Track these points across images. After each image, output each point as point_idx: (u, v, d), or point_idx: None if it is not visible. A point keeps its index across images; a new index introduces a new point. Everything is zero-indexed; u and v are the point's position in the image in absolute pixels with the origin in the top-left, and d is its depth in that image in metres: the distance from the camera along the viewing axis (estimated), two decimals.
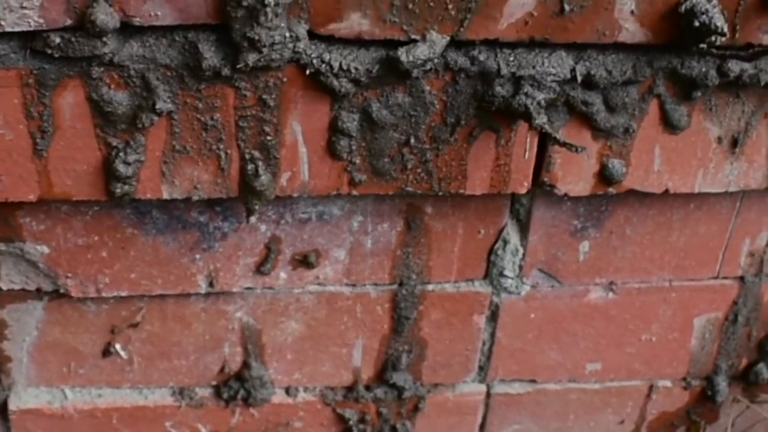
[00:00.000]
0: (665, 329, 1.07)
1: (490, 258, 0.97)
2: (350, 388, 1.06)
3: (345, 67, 0.76)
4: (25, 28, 0.70)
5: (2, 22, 0.69)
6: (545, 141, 0.85)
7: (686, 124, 0.85)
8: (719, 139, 0.87)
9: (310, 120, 0.79)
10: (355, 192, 0.85)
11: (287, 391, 1.05)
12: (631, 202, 0.95)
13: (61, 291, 0.90)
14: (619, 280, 1.02)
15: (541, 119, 0.78)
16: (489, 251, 0.97)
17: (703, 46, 0.76)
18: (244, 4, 0.70)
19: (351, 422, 1.08)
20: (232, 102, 0.77)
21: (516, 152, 0.84)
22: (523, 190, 0.87)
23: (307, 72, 0.76)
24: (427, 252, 0.95)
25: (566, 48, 0.79)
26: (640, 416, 1.16)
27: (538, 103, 0.79)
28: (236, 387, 1.02)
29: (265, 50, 0.73)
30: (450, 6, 0.74)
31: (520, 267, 0.98)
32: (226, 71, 0.74)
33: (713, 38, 0.75)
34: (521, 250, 0.97)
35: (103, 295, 0.92)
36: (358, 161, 0.82)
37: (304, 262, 0.94)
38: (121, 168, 0.78)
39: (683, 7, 0.75)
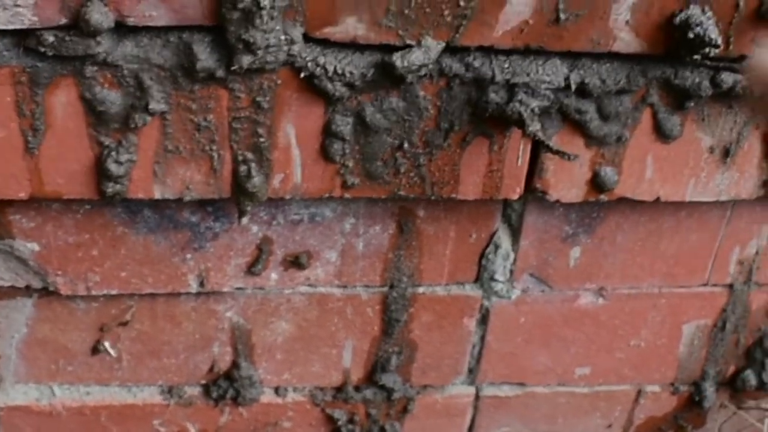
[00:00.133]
0: (654, 335, 1.08)
1: (481, 262, 0.97)
2: (340, 389, 1.06)
3: (339, 71, 0.76)
4: (18, 26, 0.69)
5: None
6: (538, 147, 0.85)
7: (679, 134, 0.86)
8: (711, 149, 0.88)
9: (304, 123, 0.79)
10: (347, 195, 0.85)
11: (276, 390, 1.05)
12: (623, 209, 0.95)
13: (51, 289, 0.90)
14: (609, 285, 1.02)
15: (534, 126, 0.78)
16: (480, 255, 0.97)
17: (697, 57, 0.77)
18: (240, 6, 0.70)
19: (340, 423, 1.08)
20: (225, 103, 0.77)
21: (509, 158, 0.85)
22: (516, 196, 0.87)
23: (302, 75, 0.76)
24: (418, 255, 0.95)
25: (561, 56, 0.79)
26: (627, 420, 1.17)
27: (532, 111, 0.79)
28: (225, 386, 1.02)
29: (259, 53, 0.73)
30: (446, 12, 0.74)
31: (511, 271, 0.99)
32: (220, 73, 0.74)
33: (707, 50, 0.75)
34: (512, 255, 0.97)
35: (93, 293, 0.92)
36: (351, 164, 0.82)
37: (295, 263, 0.94)
38: (112, 167, 0.78)
39: (678, 19, 0.76)
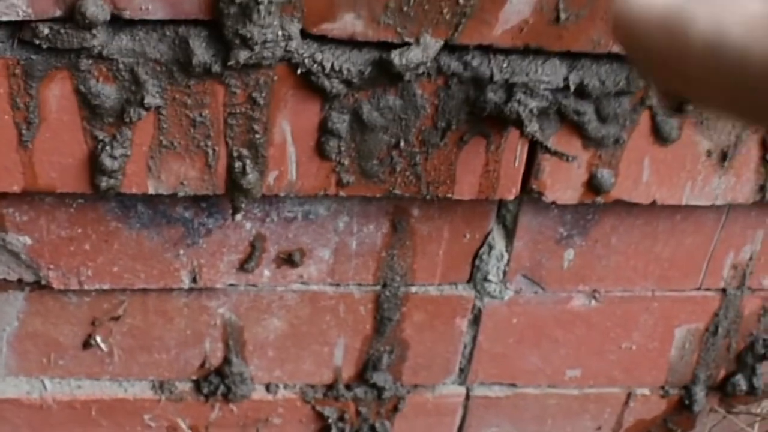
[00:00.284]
0: (646, 338, 1.08)
1: (474, 262, 0.97)
2: (330, 387, 1.06)
3: (337, 68, 0.75)
4: (13, 18, 0.69)
5: None
6: (535, 148, 0.85)
7: (677, 137, 0.86)
8: (709, 153, 0.87)
9: (300, 119, 0.79)
10: (342, 193, 0.84)
11: (267, 387, 1.05)
12: (618, 211, 0.95)
13: (43, 282, 0.89)
14: (602, 288, 1.02)
15: (532, 127, 0.78)
16: (474, 255, 0.97)
17: None
18: (237, 1, 0.69)
19: (330, 420, 1.08)
20: (221, 99, 0.76)
21: (506, 158, 0.84)
22: (512, 197, 0.87)
23: (299, 71, 0.75)
24: (411, 254, 0.95)
25: (560, 56, 0.79)
26: (617, 423, 1.17)
27: (530, 111, 0.78)
28: (216, 382, 1.02)
29: (256, 48, 0.72)
30: (445, 10, 0.73)
31: (504, 272, 0.98)
32: (216, 68, 0.74)
33: None
34: (506, 256, 0.97)
35: (86, 287, 0.91)
36: (346, 162, 0.82)
37: (288, 260, 0.93)
38: (107, 162, 0.77)
39: None
